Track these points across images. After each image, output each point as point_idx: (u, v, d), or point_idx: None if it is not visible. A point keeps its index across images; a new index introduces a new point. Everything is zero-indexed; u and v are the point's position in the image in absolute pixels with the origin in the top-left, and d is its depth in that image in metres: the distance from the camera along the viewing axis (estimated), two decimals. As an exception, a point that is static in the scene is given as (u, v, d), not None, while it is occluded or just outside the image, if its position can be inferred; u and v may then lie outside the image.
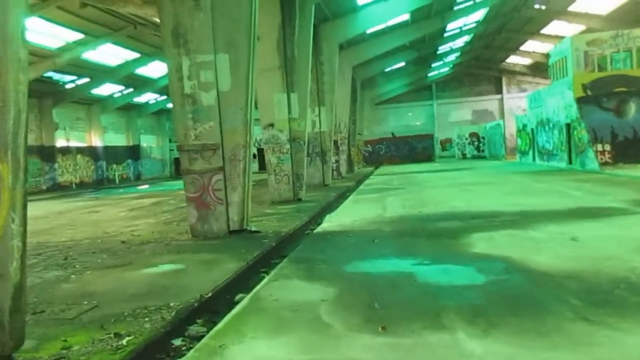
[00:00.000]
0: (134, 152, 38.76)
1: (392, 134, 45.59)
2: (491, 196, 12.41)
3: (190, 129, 8.66)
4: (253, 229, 8.94)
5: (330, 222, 9.95)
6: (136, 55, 26.02)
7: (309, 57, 15.53)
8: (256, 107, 10.28)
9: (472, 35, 34.04)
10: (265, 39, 14.12)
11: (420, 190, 15.66)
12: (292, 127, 14.58)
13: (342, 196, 15.84)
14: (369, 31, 23.78)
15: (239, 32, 8.72)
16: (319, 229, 9.24)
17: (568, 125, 20.76)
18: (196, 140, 8.66)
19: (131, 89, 32.68)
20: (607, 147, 18.89)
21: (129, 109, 37.33)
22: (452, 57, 41.21)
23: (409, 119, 48.48)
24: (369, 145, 43.31)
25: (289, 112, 14.48)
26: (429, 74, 44.86)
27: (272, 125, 14.42)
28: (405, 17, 23.72)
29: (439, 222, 8.78)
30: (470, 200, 11.69)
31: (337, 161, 24.52)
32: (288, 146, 14.48)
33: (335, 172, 23.38)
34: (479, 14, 28.65)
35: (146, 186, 29.49)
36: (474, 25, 30.91)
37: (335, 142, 23.64)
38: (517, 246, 6.30)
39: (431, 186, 16.74)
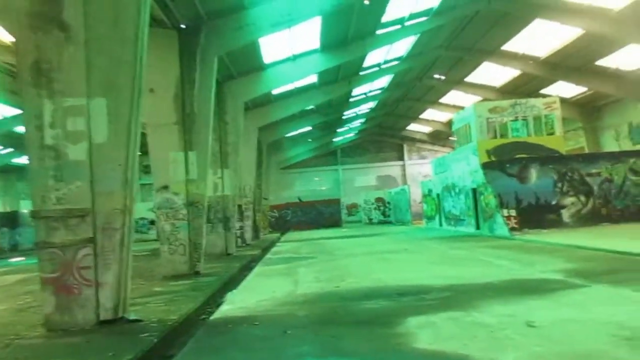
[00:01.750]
0: (10, 220, 34.20)
1: (299, 198, 44.68)
2: (413, 266, 11.35)
3: (51, 190, 6.72)
4: (132, 317, 6.98)
5: (232, 304, 8.21)
6: (17, 111, 23.06)
7: (210, 114, 14.09)
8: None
9: (377, 101, 34.71)
10: (162, 92, 12.57)
11: (334, 259, 14.34)
12: (190, 190, 12.81)
13: (247, 267, 14.08)
14: (276, 92, 23.03)
15: (121, 74, 7.11)
16: (217, 314, 7.47)
17: (474, 191, 20.83)
18: (58, 205, 6.71)
19: (10, 149, 29.07)
20: (513, 213, 18.95)
21: (7, 172, 33.22)
22: (357, 123, 41.84)
23: (316, 184, 48.08)
24: (275, 211, 41.89)
25: (187, 173, 12.76)
26: (335, 139, 45.16)
27: (166, 187, 12.58)
28: (313, 79, 23.32)
29: (364, 302, 7.39)
30: (392, 272, 10.52)
31: (241, 227, 22.74)
32: (185, 211, 12.64)
33: (239, 240, 21.54)
34: (384, 81, 29.21)
35: (22, 259, 25.53)
36: (379, 91, 31.48)
37: (240, 206, 21.97)
38: (469, 337, 5.03)
39: (345, 254, 15.51)
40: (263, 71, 19.50)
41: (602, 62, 22.68)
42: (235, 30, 13.82)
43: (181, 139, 12.72)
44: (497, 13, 19.93)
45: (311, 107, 28.84)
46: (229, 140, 18.89)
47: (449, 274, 9.55)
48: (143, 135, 16.61)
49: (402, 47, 23.20)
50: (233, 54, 16.69)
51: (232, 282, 11.05)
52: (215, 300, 8.89)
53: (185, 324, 6.96)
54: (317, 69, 20.95)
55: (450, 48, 24.57)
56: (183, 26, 12.94)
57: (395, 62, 25.21)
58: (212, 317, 7.30)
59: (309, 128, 36.19)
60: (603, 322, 5.26)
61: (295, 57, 19.62)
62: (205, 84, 13.67)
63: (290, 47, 18.94)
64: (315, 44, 19.13)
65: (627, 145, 25.10)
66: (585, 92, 26.15)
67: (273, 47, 18.34)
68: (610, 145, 26.78)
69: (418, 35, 21.49)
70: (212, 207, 17.61)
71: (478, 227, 20.70)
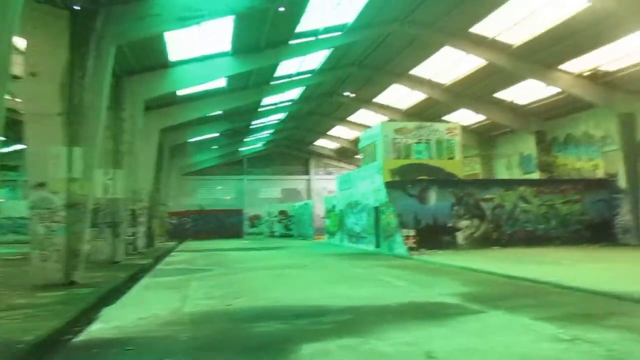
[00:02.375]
0: None
1: (201, 206, 43.04)
2: (311, 284, 10.87)
3: None
4: (-27, 337, 5.79)
5: (105, 322, 7.20)
6: None
7: (102, 108, 12.76)
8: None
9: (286, 113, 34.38)
10: (45, 77, 11.19)
11: (230, 273, 13.53)
12: (72, 190, 11.41)
13: (134, 279, 12.84)
14: (182, 93, 21.83)
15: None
16: (84, 335, 6.45)
17: (377, 209, 20.99)
18: None
19: None
20: (412, 232, 19.26)
21: None
22: (265, 134, 41.23)
23: (219, 193, 46.69)
24: (174, 218, 39.92)
25: (70, 170, 11.38)
26: (242, 149, 44.20)
27: (43, 184, 11.12)
28: (222, 83, 22.43)
29: (257, 324, 6.74)
30: (290, 290, 9.97)
31: (134, 234, 21.11)
32: (64, 213, 11.23)
33: (130, 247, 19.94)
34: (295, 93, 28.95)
35: None
36: (289, 103, 31.16)
37: (134, 211, 20.40)
38: (367, 370, 4.57)
39: (243, 268, 14.73)
40: (168, 69, 18.34)
41: (500, 94, 24.02)
42: (137, 20, 12.70)
43: (66, 132, 11.34)
44: (409, 37, 20.41)
45: (219, 112, 27.83)
46: (124, 139, 17.44)
47: (348, 293, 9.18)
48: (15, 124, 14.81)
49: (315, 60, 23.06)
50: (135, 46, 15.48)
51: (112, 295, 9.89)
52: (87, 316, 7.78)
53: (42, 346, 5.89)
54: (227, 72, 20.14)
55: (362, 66, 24.86)
56: (77, 7, 11.63)
57: (307, 75, 25.02)
58: (76, 339, 6.27)
59: (216, 134, 35.03)
60: (504, 353, 5.05)
61: (204, 58, 18.68)
62: (98, 74, 12.37)
63: (199, 46, 18.00)
64: (227, 46, 18.35)
65: (517, 174, 26.77)
66: (483, 121, 27.61)
67: (180, 44, 17.31)
68: (502, 173, 28.44)
69: (331, 49, 21.42)
70: (100, 210, 16.09)
71: (378, 246, 20.83)
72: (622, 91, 19.85)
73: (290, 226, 41.65)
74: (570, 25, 16.60)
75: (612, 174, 21.01)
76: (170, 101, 22.46)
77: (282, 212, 42.36)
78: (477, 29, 18.65)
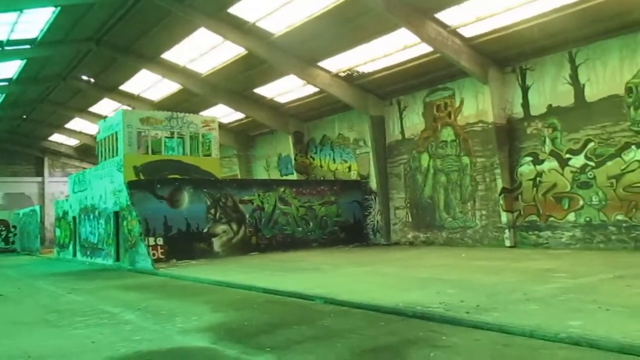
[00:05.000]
0: None
1: None
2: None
3: None
4: None
5: None
6: None
7: None
8: None
9: (2, 96, 27.31)
10: None
11: None
12: None
13: None
14: None
15: None
16: None
17: (117, 214, 17.26)
18: None
19: None
20: (160, 241, 16.23)
21: None
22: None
23: None
24: None
25: None
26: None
27: None
28: None
29: None
30: None
31: None
32: None
33: None
34: (11, 69, 22.81)
35: None
36: (5, 83, 24.62)
37: None
38: None
39: None
40: None
41: (261, 90, 22.61)
42: None
43: None
44: (159, 11, 17.26)
45: None
46: None
47: (30, 346, 5.83)
48: None
49: (35, 26, 18.03)
50: None
51: None
52: None
53: None
54: None
55: (102, 43, 20.61)
56: None
57: (26, 47, 19.65)
58: None
59: None
60: None
61: None
62: None
63: None
64: None
65: (276, 176, 25.87)
66: (242, 120, 25.97)
67: None
68: (260, 174, 27.31)
69: (57, 10, 16.78)
70: None
71: (118, 259, 17.12)
72: (374, 94, 20.26)
73: (12, 239, 33.87)
74: (329, 17, 15.79)
75: (364, 176, 21.39)
76: None
77: (1, 222, 34.22)
78: (236, 10, 16.64)
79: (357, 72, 19.18)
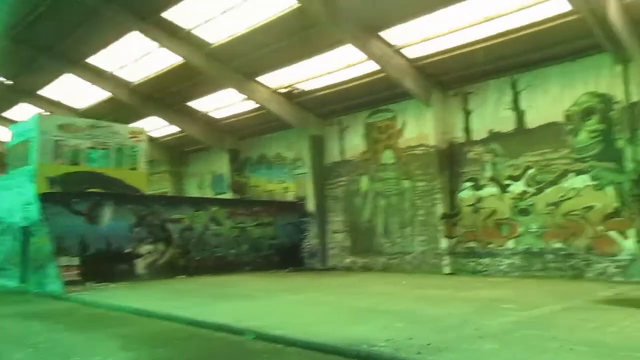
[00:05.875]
0: None
1: None
2: None
3: None
4: None
5: None
6: None
7: None
8: None
9: None
10: None
11: None
12: None
13: None
14: None
15: None
16: None
17: (25, 230, 15.41)
18: None
19: None
20: (76, 262, 14.57)
21: None
22: None
23: None
24: None
25: None
26: None
27: None
28: None
29: None
30: None
31: None
32: None
33: None
34: None
35: None
36: None
37: None
38: None
39: None
40: None
41: (196, 104, 21.43)
42: None
43: None
44: (85, 9, 15.86)
45: None
46: None
47: None
48: None
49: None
50: None
51: None
52: None
53: None
54: None
55: (19, 41, 18.70)
56: None
57: None
58: None
59: None
60: None
61: None
62: None
63: None
64: None
65: (209, 194, 24.56)
66: (176, 134, 24.55)
67: None
68: (193, 192, 25.87)
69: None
70: None
71: (24, 281, 15.23)
72: (315, 113, 19.65)
73: None
74: (272, 29, 15.06)
75: (302, 197, 20.60)
76: None
77: None
78: (171, 14, 15.56)
79: (298, 89, 18.51)
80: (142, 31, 16.33)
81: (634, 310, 7.63)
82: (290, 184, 21.31)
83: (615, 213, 12.24)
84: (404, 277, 14.55)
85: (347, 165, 18.95)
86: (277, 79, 18.19)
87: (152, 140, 23.04)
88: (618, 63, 11.87)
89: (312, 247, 19.92)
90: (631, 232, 11.89)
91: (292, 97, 19.00)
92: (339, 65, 16.17)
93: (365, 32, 14.23)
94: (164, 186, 27.36)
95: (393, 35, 14.33)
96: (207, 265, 17.57)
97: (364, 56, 14.93)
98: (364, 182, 18.25)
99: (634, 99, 11.73)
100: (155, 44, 17.01)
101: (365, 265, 18.00)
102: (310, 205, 19.96)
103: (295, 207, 20.60)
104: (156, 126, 23.85)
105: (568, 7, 11.66)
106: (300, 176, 20.80)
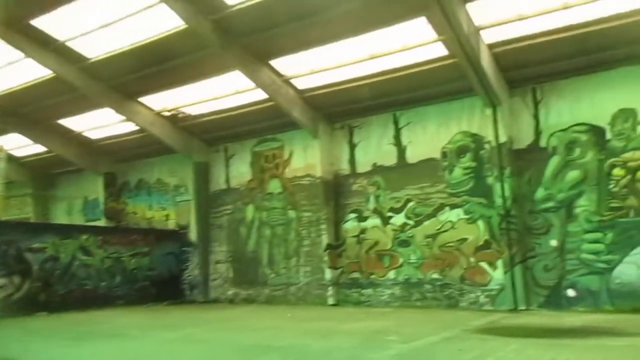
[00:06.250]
0: None
1: None
2: None
3: None
4: None
5: None
6: None
7: None
8: None
9: None
10: None
11: None
12: None
13: None
14: None
15: None
16: None
17: None
18: None
19: None
20: None
21: None
22: None
23: None
24: None
25: None
26: None
27: None
28: None
29: None
30: None
31: None
32: None
33: None
34: None
35: None
36: None
37: None
38: None
39: None
40: None
41: (68, 122, 19.69)
42: None
43: None
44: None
45: None
46: None
47: None
48: None
49: None
50: None
51: None
52: None
53: None
54: None
55: None
56: None
57: None
58: None
59: None
60: None
61: None
62: None
63: None
64: None
65: (80, 221, 22.51)
66: (42, 154, 22.29)
67: None
68: (61, 218, 23.59)
69: None
70: None
71: None
72: (201, 139, 18.99)
73: None
74: (157, 48, 14.33)
75: (184, 226, 19.63)
76: None
77: None
78: (41, 23, 14.19)
79: (184, 113, 17.80)
80: (4, 38, 14.68)
81: (507, 340, 8.03)
82: (171, 211, 20.26)
83: (486, 245, 13.11)
84: (288, 309, 14.27)
85: (232, 193, 18.45)
86: (161, 101, 17.36)
87: (12, 159, 20.69)
88: (488, 106, 12.88)
89: (194, 279, 18.96)
90: (499, 263, 12.78)
91: (176, 121, 18.22)
92: (227, 91, 15.82)
93: (255, 60, 14.09)
94: (25, 211, 24.67)
95: (283, 64, 14.35)
96: (73, 300, 15.95)
97: (252, 84, 14.73)
98: (250, 211, 17.86)
99: (502, 139, 12.76)
100: (19, 54, 15.38)
101: (248, 297, 17.44)
102: (193, 234, 19.08)
103: (176, 235, 19.58)
104: (18, 144, 21.52)
105: (446, 52, 12.52)
106: (182, 203, 19.87)
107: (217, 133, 18.35)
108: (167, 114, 17.89)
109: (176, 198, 20.17)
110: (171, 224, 20.10)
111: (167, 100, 17.26)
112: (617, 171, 11.77)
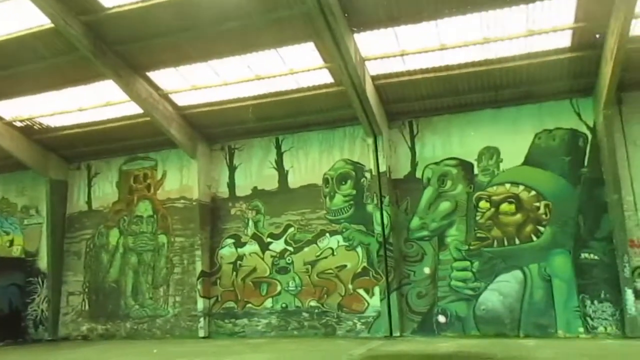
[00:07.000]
0: None
1: None
2: None
3: None
4: None
5: None
6: None
7: None
8: None
9: None
10: None
11: None
12: None
13: None
14: None
15: None
16: None
17: None
18: None
19: None
20: None
21: None
22: None
23: None
24: None
25: None
26: None
27: None
28: None
29: None
30: None
31: None
32: None
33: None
34: None
35: None
36: None
37: None
38: None
39: None
40: None
41: None
42: None
43: None
44: None
45: None
46: None
47: None
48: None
49: None
50: None
51: None
52: None
53: None
54: None
55: None
56: None
57: None
58: None
59: None
60: None
61: None
62: None
63: None
64: None
65: None
66: None
67: None
68: None
69: None
70: None
71: None
72: (59, 154, 17.01)
73: None
74: (14, 48, 12.56)
75: (32, 253, 17.24)
76: None
77: None
78: None
79: (40, 124, 15.82)
80: None
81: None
82: (17, 236, 17.73)
83: (364, 272, 13.19)
84: (154, 345, 12.94)
85: (94, 216, 16.68)
86: (14, 108, 15.25)
87: None
88: (370, 135, 13.15)
89: (40, 314, 16.59)
90: (377, 290, 12.89)
91: (31, 132, 16.13)
92: (96, 102, 14.35)
93: (130, 70, 12.98)
94: None
95: (162, 78, 13.41)
96: None
97: (126, 96, 13.54)
98: (114, 236, 16.26)
99: (382, 169, 13.05)
100: None
101: (106, 333, 15.66)
102: (43, 263, 16.84)
103: (21, 264, 17.12)
104: None
105: (331, 79, 12.63)
106: (32, 227, 17.51)
107: (79, 149, 16.57)
108: (20, 124, 15.77)
109: (24, 221, 17.74)
110: (16, 251, 17.53)
111: (21, 109, 15.21)
112: (482, 204, 12.61)
